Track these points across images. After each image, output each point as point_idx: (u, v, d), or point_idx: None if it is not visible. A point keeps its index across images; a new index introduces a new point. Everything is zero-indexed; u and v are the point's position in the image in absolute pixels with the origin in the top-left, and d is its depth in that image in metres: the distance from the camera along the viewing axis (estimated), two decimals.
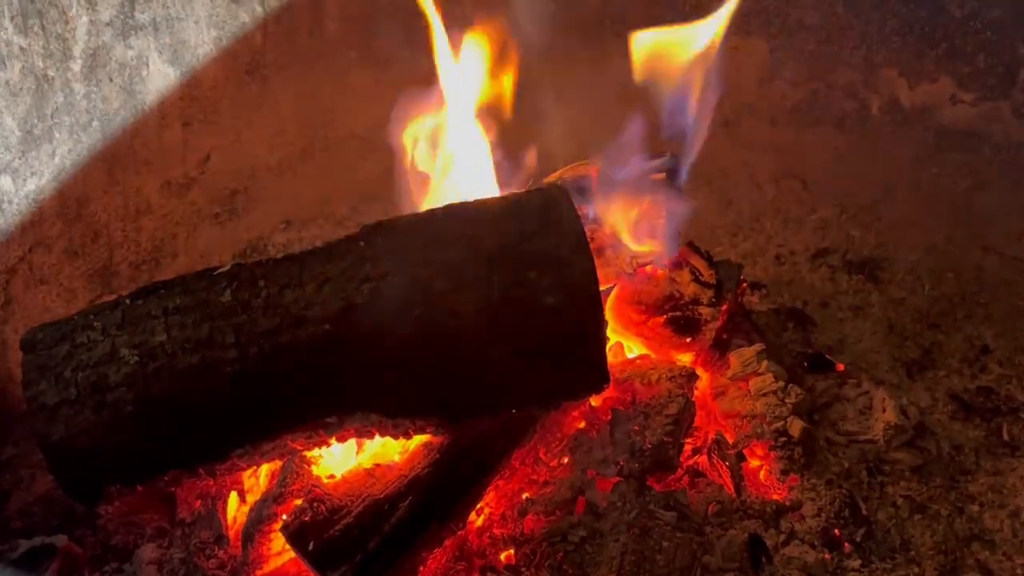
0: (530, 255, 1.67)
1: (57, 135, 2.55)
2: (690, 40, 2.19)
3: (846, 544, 1.94)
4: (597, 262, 1.72)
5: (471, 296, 1.65)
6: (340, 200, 3.41)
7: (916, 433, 2.23)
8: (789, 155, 3.44)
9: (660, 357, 2.22)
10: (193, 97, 3.00)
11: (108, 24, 2.64)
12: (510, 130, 2.29)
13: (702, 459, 2.09)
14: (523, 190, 2.13)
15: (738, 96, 3.49)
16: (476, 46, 2.30)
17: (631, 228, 2.18)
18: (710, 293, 2.20)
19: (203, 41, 2.97)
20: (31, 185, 2.49)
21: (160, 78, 2.86)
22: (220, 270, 1.72)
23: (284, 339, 1.62)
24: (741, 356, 2.20)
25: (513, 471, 2.00)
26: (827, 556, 1.91)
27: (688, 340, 2.20)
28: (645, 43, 2.19)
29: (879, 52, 3.25)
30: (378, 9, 3.39)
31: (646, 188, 2.17)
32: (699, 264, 2.23)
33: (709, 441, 2.10)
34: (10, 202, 2.44)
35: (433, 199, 2.30)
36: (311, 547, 1.72)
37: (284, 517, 1.83)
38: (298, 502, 1.83)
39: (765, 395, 2.14)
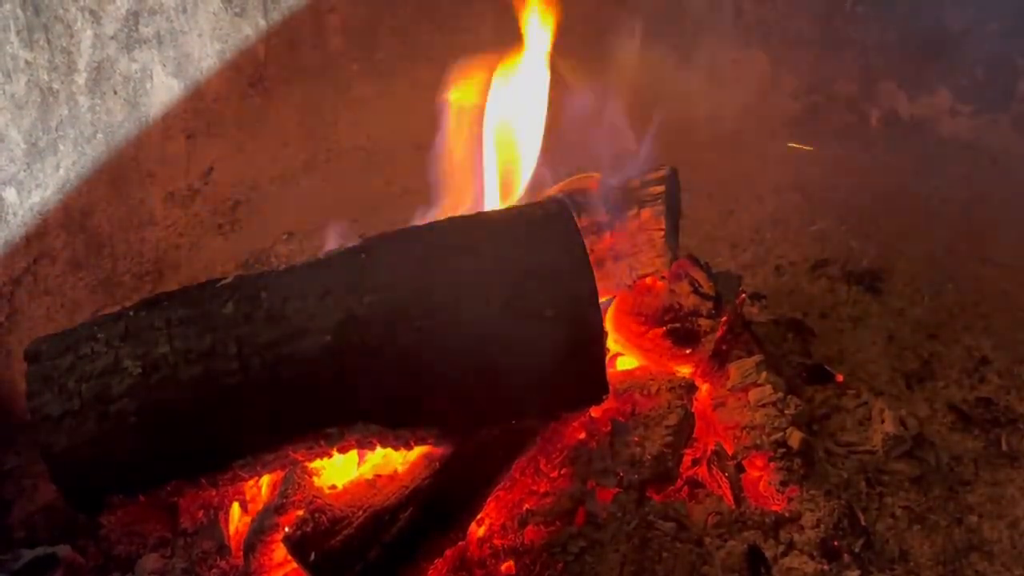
0: (530, 267, 1.68)
1: (62, 147, 2.57)
2: None
3: (845, 555, 1.94)
4: (597, 274, 1.73)
5: (471, 308, 1.66)
6: (342, 211, 3.42)
7: (915, 444, 2.24)
8: (789, 166, 3.46)
9: (660, 368, 2.23)
10: (197, 109, 3.03)
11: (112, 37, 2.66)
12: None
13: (701, 470, 2.10)
14: (523, 203, 2.14)
15: (739, 107, 3.52)
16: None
17: (629, 239, 2.19)
18: (709, 305, 2.21)
19: (207, 54, 2.99)
20: (36, 197, 2.51)
21: (164, 91, 2.88)
22: (223, 281, 1.73)
23: (286, 350, 1.63)
24: (740, 367, 2.21)
25: (513, 482, 2.01)
26: (826, 567, 1.91)
27: (687, 351, 2.21)
28: None
29: (878, 65, 3.28)
30: (380, 22, 3.42)
31: (644, 199, 2.18)
32: (698, 276, 2.24)
33: (708, 452, 2.11)
34: (15, 214, 2.45)
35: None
36: (312, 557, 1.72)
37: (286, 528, 1.84)
38: (299, 512, 1.84)
39: (764, 406, 2.15)
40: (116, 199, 2.83)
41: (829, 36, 3.28)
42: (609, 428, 2.06)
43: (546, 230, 1.72)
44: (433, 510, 1.82)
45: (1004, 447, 2.31)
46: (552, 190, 2.24)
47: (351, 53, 3.45)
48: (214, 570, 1.95)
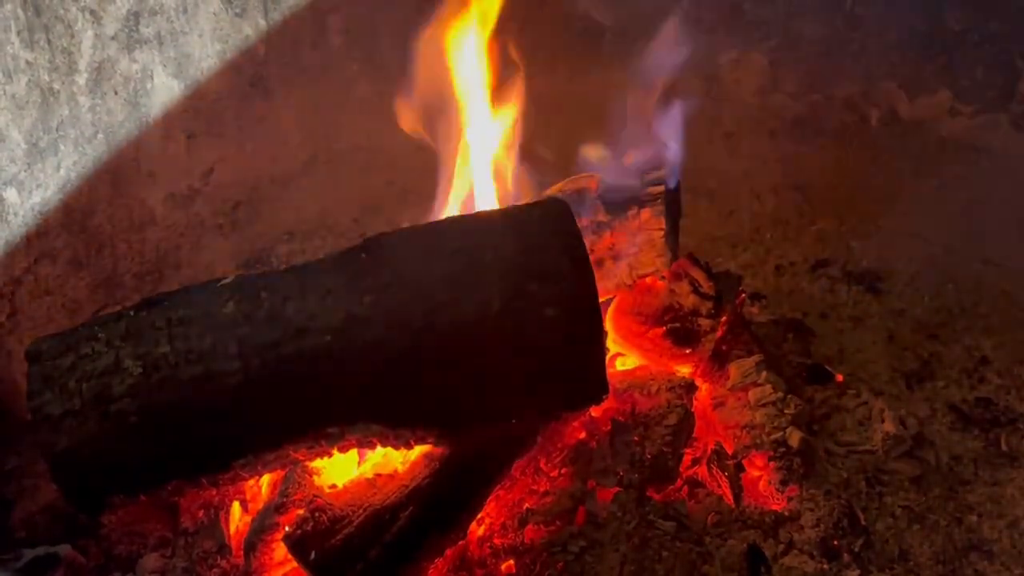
0: (530, 267, 1.68)
1: (62, 148, 2.57)
2: None
3: (845, 554, 1.94)
4: (597, 274, 1.74)
5: (472, 308, 1.66)
6: (342, 212, 3.43)
7: (915, 443, 2.24)
8: (789, 166, 3.45)
9: (659, 368, 2.23)
10: (197, 109, 3.03)
11: (113, 38, 2.66)
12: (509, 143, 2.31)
13: (701, 469, 2.10)
14: (524, 203, 2.14)
15: (738, 108, 3.51)
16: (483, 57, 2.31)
17: (629, 239, 2.19)
18: (710, 305, 2.21)
19: (207, 54, 2.99)
20: (36, 197, 2.51)
21: (164, 91, 2.88)
22: (223, 281, 1.73)
23: (286, 350, 1.63)
24: (740, 367, 2.21)
25: (513, 481, 2.01)
26: (826, 566, 1.91)
27: (688, 351, 2.21)
28: None
29: (878, 65, 3.27)
30: (381, 22, 3.42)
31: (644, 199, 2.19)
32: (699, 276, 2.24)
33: (708, 451, 2.11)
34: (16, 214, 2.46)
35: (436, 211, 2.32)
36: (312, 557, 1.73)
37: (286, 527, 1.84)
38: (300, 512, 1.84)
39: (764, 406, 2.15)
40: (117, 199, 2.83)
41: (829, 36, 3.28)
42: (609, 428, 2.07)
43: (546, 229, 1.73)
44: (433, 509, 1.82)
45: (1004, 447, 2.31)
46: (552, 189, 2.25)
47: (352, 53, 3.45)
48: (215, 569, 1.95)
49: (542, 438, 2.03)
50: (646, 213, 2.18)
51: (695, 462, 2.12)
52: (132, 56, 2.74)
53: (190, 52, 2.93)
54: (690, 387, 2.17)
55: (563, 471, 2.03)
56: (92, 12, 2.58)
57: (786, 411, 2.14)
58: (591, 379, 1.78)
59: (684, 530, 1.95)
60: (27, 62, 2.42)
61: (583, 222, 2.11)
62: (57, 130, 2.54)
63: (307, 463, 1.91)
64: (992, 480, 2.21)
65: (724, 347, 2.24)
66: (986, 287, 2.94)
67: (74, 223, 2.68)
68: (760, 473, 2.08)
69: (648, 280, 2.24)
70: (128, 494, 1.73)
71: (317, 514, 1.79)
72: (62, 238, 2.65)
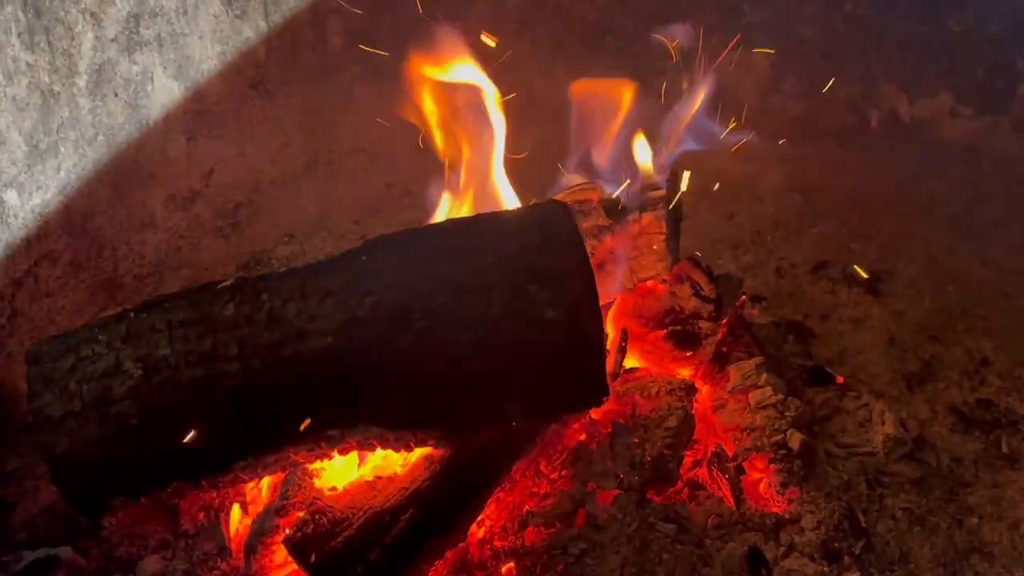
0: (531, 269, 1.68)
1: (63, 149, 2.57)
2: None
3: (845, 556, 1.94)
4: (597, 277, 1.74)
5: (472, 309, 1.66)
6: (343, 213, 3.43)
7: (916, 445, 2.24)
8: (790, 168, 3.46)
9: (660, 370, 2.23)
10: (197, 111, 3.03)
11: (113, 40, 2.67)
12: (511, 145, 2.31)
13: (702, 472, 2.10)
14: (525, 206, 2.14)
15: (739, 109, 3.52)
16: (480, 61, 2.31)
17: (630, 243, 2.19)
18: (711, 307, 2.21)
19: (207, 56, 2.99)
20: (37, 199, 2.51)
21: (165, 93, 2.88)
22: (223, 283, 1.73)
23: (287, 352, 1.63)
24: (741, 369, 2.21)
25: (514, 483, 2.01)
26: (826, 569, 1.91)
27: (688, 354, 2.21)
28: None
29: (879, 66, 3.28)
30: (381, 24, 3.42)
31: (645, 204, 2.18)
32: (700, 278, 2.24)
33: (709, 454, 2.11)
34: (16, 216, 2.46)
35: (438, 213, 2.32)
36: (312, 559, 1.72)
37: (286, 529, 1.84)
38: (300, 514, 1.84)
39: (765, 408, 2.15)
40: (117, 201, 2.83)
41: (829, 38, 3.29)
42: (609, 430, 2.06)
43: (548, 232, 1.72)
44: (433, 512, 1.82)
45: (1004, 449, 2.31)
46: (557, 197, 2.24)
47: (352, 55, 3.45)
48: (215, 572, 1.95)
49: (542, 440, 2.03)
50: (647, 217, 2.18)
51: (695, 464, 2.12)
52: (132, 58, 2.75)
53: (190, 54, 2.93)
54: (690, 389, 2.17)
55: (563, 473, 2.02)
56: (92, 14, 2.58)
57: (786, 413, 2.14)
58: (591, 381, 1.78)
59: (684, 532, 1.94)
60: (27, 64, 2.42)
61: (584, 225, 2.11)
62: (57, 132, 2.54)
63: (307, 465, 1.91)
64: (993, 482, 2.21)
65: (725, 349, 2.24)
66: (987, 288, 2.95)
67: (74, 225, 2.68)
68: (761, 475, 2.08)
69: (649, 283, 2.24)
70: (129, 496, 1.73)
71: (317, 516, 1.78)
72: (62, 240, 2.65)
